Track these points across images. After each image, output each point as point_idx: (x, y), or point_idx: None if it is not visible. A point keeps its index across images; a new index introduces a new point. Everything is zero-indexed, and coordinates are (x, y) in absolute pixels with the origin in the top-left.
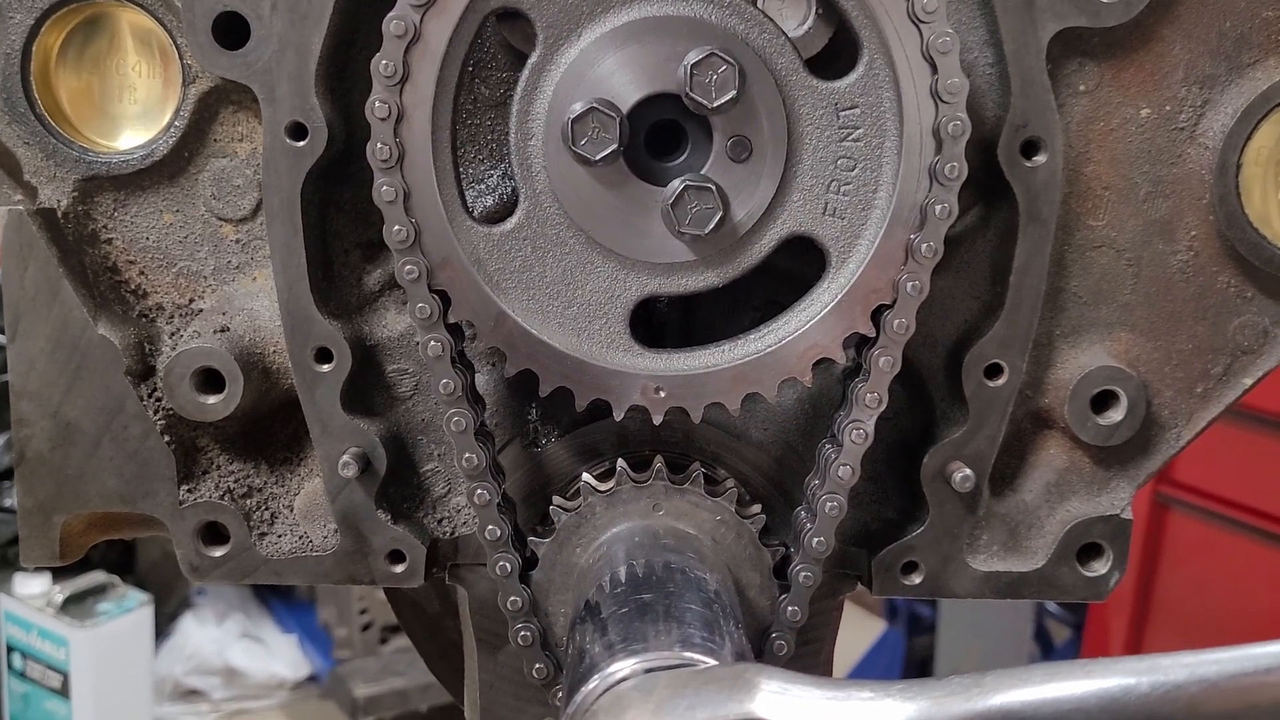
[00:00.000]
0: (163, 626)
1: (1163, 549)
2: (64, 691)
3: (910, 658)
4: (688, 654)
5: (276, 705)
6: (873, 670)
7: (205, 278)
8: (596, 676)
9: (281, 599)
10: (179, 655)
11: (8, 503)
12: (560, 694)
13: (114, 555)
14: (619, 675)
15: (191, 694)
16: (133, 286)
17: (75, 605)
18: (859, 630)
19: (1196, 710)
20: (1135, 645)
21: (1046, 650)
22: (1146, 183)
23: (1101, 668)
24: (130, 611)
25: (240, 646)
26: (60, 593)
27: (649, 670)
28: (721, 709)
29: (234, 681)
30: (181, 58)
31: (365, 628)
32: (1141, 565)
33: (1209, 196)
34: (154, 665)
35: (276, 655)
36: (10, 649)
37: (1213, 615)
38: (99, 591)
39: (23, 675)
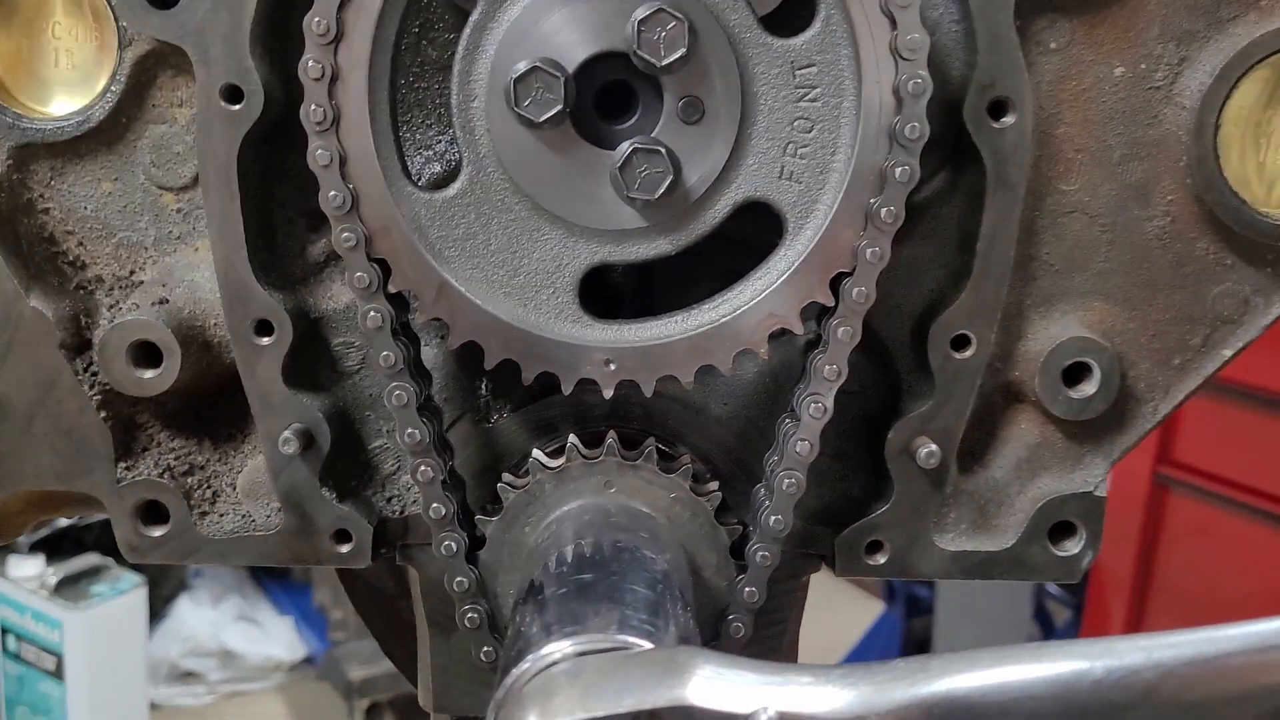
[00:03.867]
0: (158, 609)
1: (1162, 529)
2: (58, 673)
3: (908, 639)
4: (623, 637)
5: (273, 687)
6: (870, 652)
7: (146, 248)
8: (529, 658)
9: (277, 581)
10: (175, 637)
11: None
12: None
13: (108, 537)
14: (551, 658)
15: (188, 676)
16: (70, 258)
17: (69, 587)
18: (856, 612)
19: (1153, 698)
20: (1135, 626)
21: (1047, 631)
22: (1121, 145)
23: (1054, 651)
24: (124, 594)
25: (236, 628)
26: (54, 575)
27: (581, 653)
28: (651, 694)
29: (230, 663)
30: (117, 20)
31: None
32: (1141, 546)
33: (1186, 159)
34: (150, 647)
35: (272, 637)
36: (4, 631)
37: (1213, 596)
38: (93, 573)
39: (17, 657)
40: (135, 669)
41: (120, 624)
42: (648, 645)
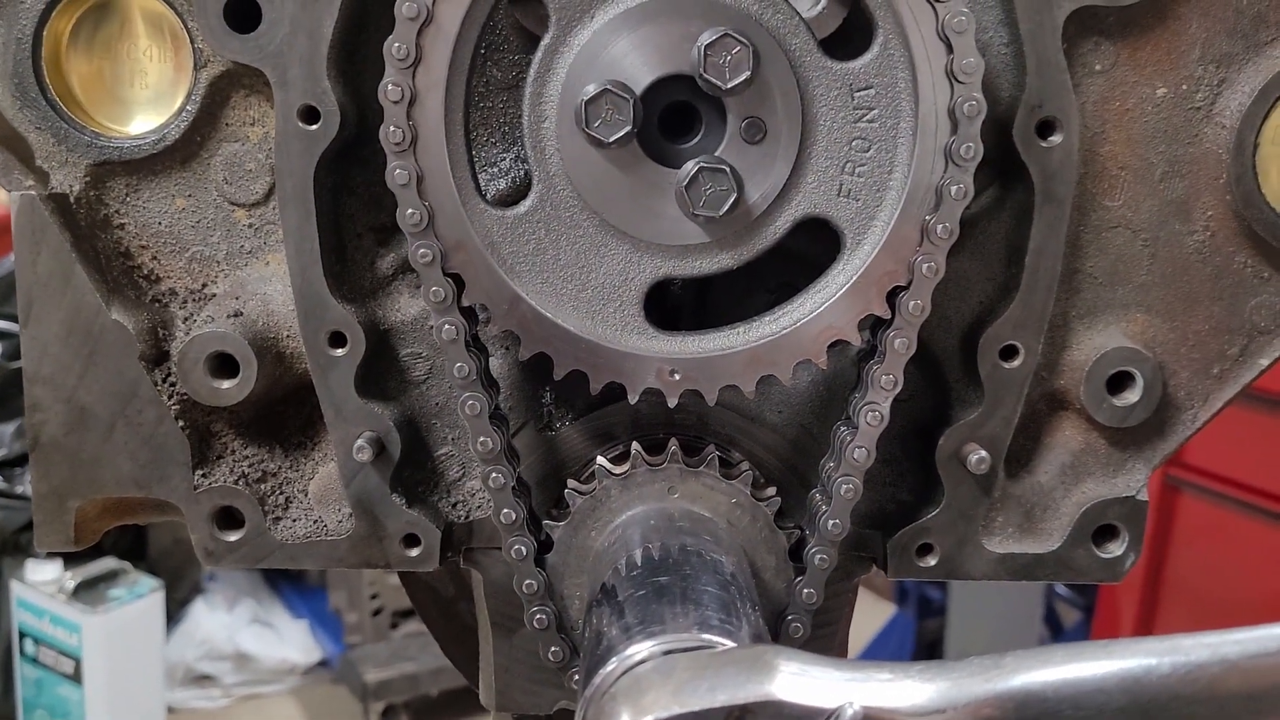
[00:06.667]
0: (174, 612)
1: (1173, 531)
2: (76, 677)
3: (920, 641)
4: (706, 636)
5: (287, 690)
6: (882, 653)
7: (218, 262)
8: (614, 659)
9: (292, 584)
10: (190, 641)
11: (19, 490)
12: (577, 677)
13: (125, 542)
14: (637, 657)
15: (203, 679)
16: (145, 272)
17: (87, 591)
18: (869, 613)
19: (1217, 690)
20: (1146, 628)
21: (1056, 633)
22: (1163, 162)
23: (1122, 648)
24: (141, 597)
25: (251, 632)
26: (72, 579)
27: (667, 652)
28: (741, 690)
29: (245, 666)
30: (193, 42)
31: (376, 613)
32: (1152, 548)
33: (1226, 176)
34: (166, 651)
35: (287, 640)
36: (23, 635)
37: (1224, 597)
38: (110, 577)
39: (35, 661)
40: (153, 672)
41: (138, 627)
42: (730, 644)
